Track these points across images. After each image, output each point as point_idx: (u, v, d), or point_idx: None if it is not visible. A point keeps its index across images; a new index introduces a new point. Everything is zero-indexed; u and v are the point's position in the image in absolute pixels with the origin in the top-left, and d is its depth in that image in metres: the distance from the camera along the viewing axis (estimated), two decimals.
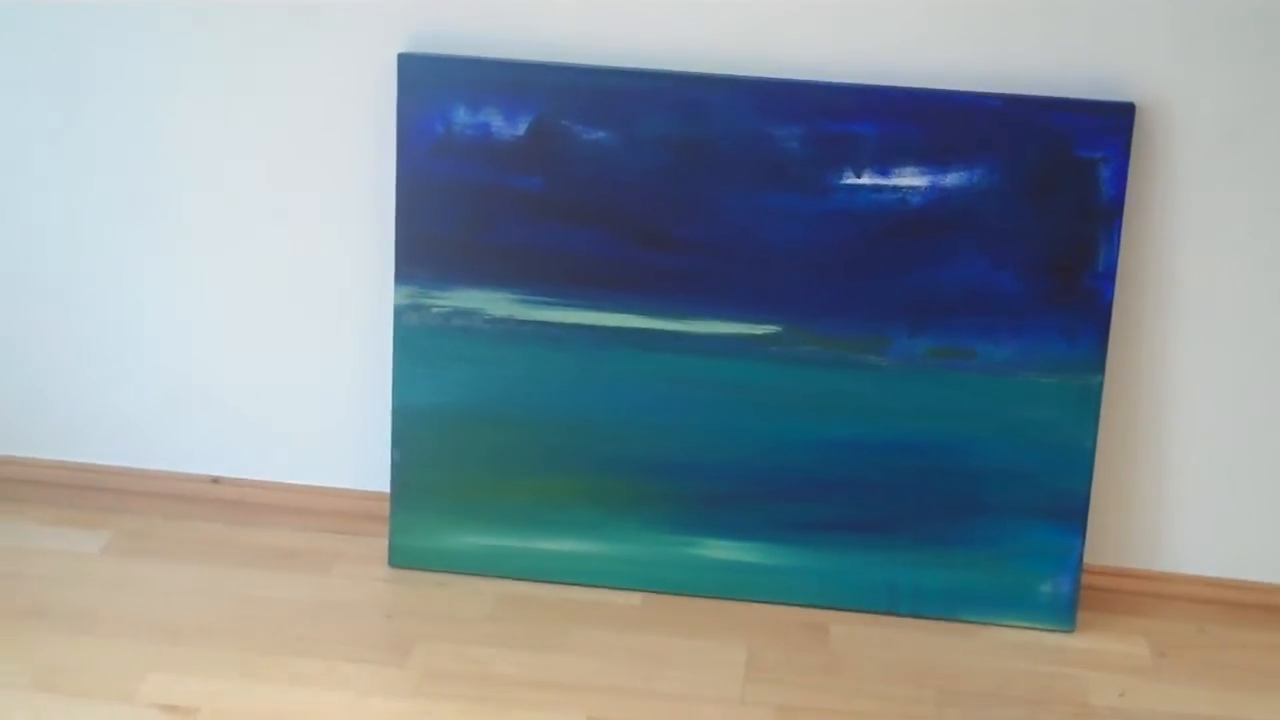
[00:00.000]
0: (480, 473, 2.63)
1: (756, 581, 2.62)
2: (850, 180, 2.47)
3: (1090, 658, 2.53)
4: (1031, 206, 2.46)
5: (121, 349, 2.74)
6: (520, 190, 2.52)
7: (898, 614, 2.60)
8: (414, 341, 2.59)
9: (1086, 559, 2.60)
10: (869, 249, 2.49)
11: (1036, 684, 2.46)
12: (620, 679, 2.42)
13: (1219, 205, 2.46)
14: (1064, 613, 2.58)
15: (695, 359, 2.55)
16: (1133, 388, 2.56)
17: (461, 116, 2.50)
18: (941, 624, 2.59)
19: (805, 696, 2.40)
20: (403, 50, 2.51)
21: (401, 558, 2.68)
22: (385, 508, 2.67)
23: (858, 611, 2.61)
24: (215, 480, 2.80)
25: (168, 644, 2.44)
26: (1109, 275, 2.46)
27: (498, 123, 2.50)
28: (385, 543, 2.68)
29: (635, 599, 2.63)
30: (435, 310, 2.57)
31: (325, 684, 2.37)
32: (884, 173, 2.47)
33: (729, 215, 2.50)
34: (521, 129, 2.50)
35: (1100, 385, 2.50)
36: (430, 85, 2.50)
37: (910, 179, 2.47)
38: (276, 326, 2.71)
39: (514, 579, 2.66)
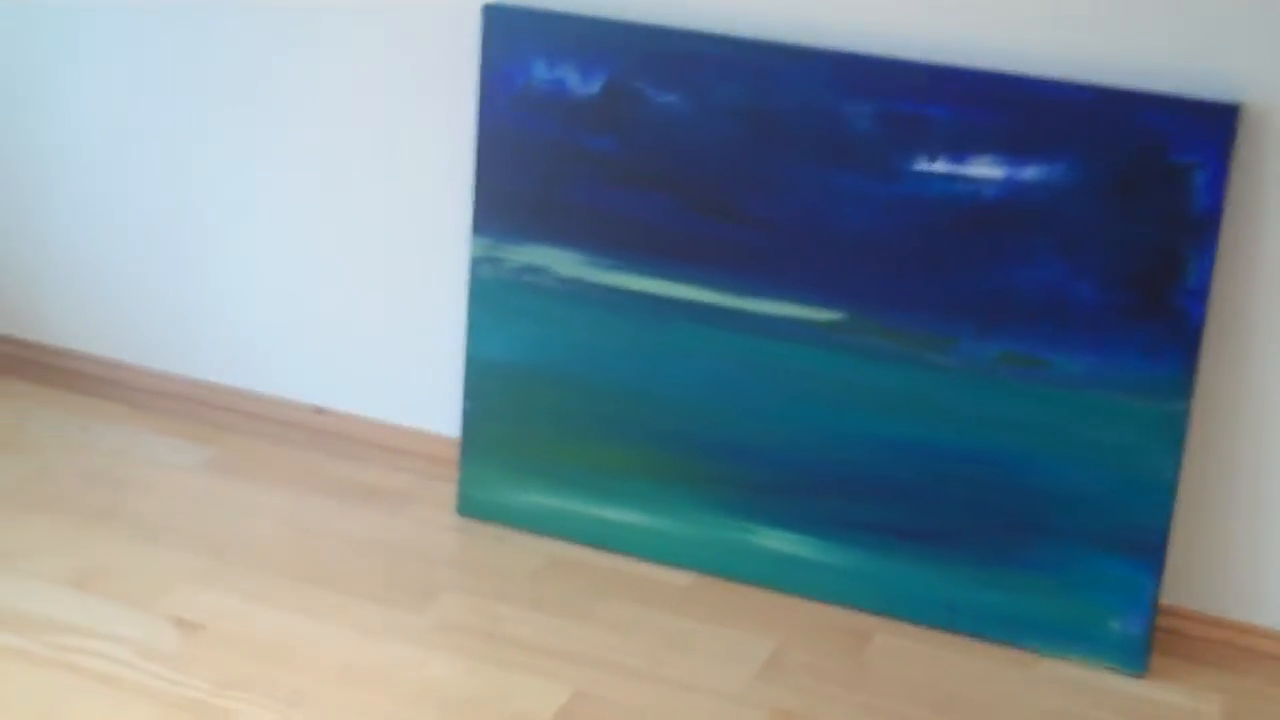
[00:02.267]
0: (544, 431, 2.60)
1: (808, 577, 2.51)
2: (923, 166, 2.31)
3: (1152, 709, 2.31)
4: (1117, 211, 2.24)
5: (244, 272, 2.83)
6: (593, 150, 2.46)
7: (954, 631, 2.44)
8: (488, 294, 2.58)
9: (1162, 599, 2.37)
10: (939, 241, 2.33)
11: None
12: (628, 658, 2.36)
13: None
14: (1134, 654, 2.36)
15: (756, 339, 2.45)
16: (1222, 418, 2.31)
17: (540, 71, 2.46)
18: (998, 648, 2.41)
19: (810, 704, 2.28)
20: (487, 1, 2.49)
21: (469, 507, 2.68)
22: None
23: (910, 622, 2.46)
24: (319, 410, 2.86)
25: (210, 559, 2.52)
26: (1199, 293, 2.22)
27: (573, 79, 2.45)
28: None
29: (685, 578, 2.56)
30: (508, 264, 2.55)
31: (335, 620, 2.40)
32: (958, 160, 2.29)
33: (796, 192, 2.38)
34: (596, 87, 2.44)
35: (1185, 412, 2.27)
36: (511, 37, 2.47)
37: (986, 169, 2.28)
38: (372, 267, 2.74)
39: (571, 541, 2.62)
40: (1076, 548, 2.36)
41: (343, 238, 2.75)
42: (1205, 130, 2.17)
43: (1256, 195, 2.20)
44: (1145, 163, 2.21)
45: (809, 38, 2.35)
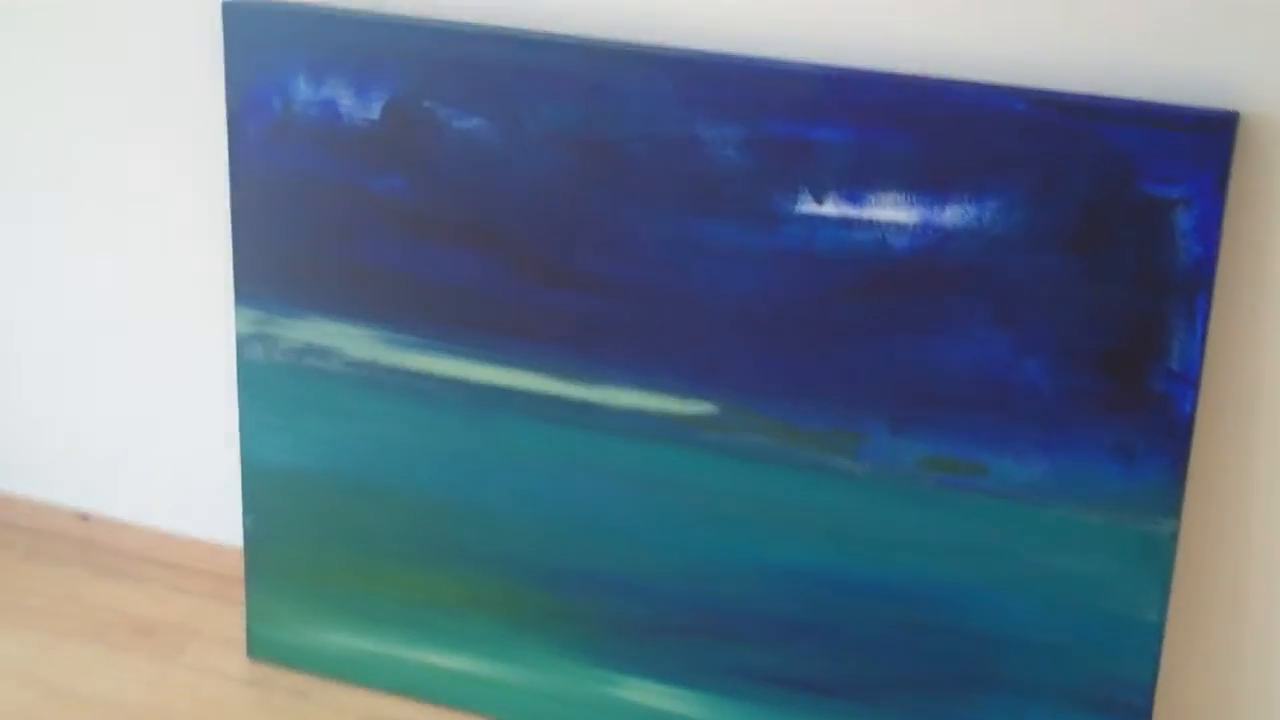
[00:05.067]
0: (345, 555, 2.00)
1: None
2: (808, 208, 1.70)
3: None
4: (1072, 265, 1.63)
5: None
6: (378, 194, 1.85)
7: None
8: (260, 381, 1.97)
9: None
10: (835, 308, 1.72)
11: None
12: None
13: None
14: None
15: (604, 437, 1.84)
16: (1221, 541, 1.71)
17: (303, 90, 1.85)
18: None
19: None
20: None
21: (262, 649, 2.09)
22: None
23: None
24: (84, 517, 2.26)
25: None
26: (1188, 376, 1.61)
27: (346, 100, 1.84)
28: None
29: None
30: (284, 343, 1.94)
31: None
32: (855, 199, 1.68)
33: (647, 246, 1.77)
34: (376, 110, 1.83)
35: (1174, 535, 1.66)
36: (262, 46, 1.85)
37: (893, 211, 1.67)
38: (135, 347, 2.15)
39: (392, 694, 2.03)
40: (1035, 708, 1.76)
41: (101, 311, 2.15)
42: (1191, 150, 1.56)
43: (1263, 238, 1.59)
44: (1110, 198, 1.60)
45: (654, 35, 1.74)
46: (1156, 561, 1.67)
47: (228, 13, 1.86)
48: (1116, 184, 1.59)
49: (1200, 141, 1.56)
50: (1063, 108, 1.59)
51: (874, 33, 1.65)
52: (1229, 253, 1.60)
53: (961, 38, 1.62)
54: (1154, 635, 1.70)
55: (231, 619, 2.15)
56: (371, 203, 1.86)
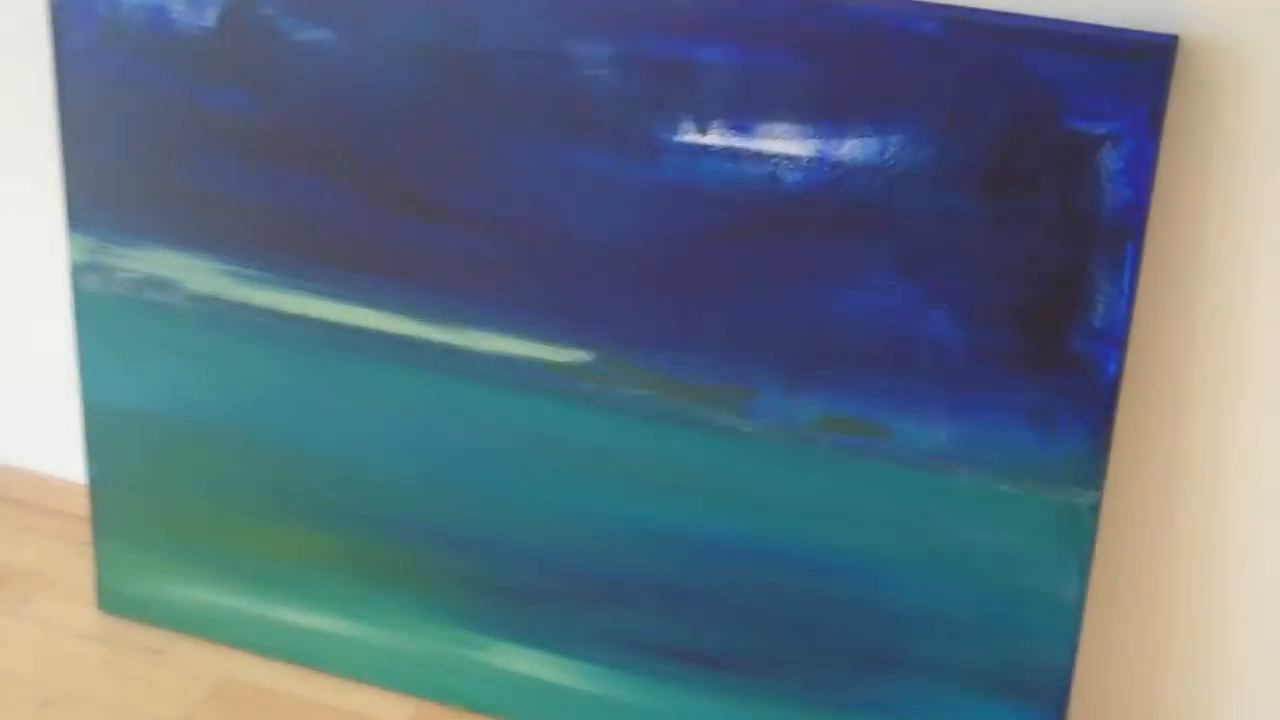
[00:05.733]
0: (200, 506, 1.82)
1: (565, 710, 1.75)
2: (690, 137, 1.50)
3: None
4: (985, 208, 1.43)
5: None
6: (218, 111, 1.65)
7: None
8: (98, 315, 1.78)
9: None
10: (721, 249, 1.52)
11: None
12: None
13: None
14: None
15: (476, 386, 1.66)
16: (1146, 516, 1.53)
17: None
18: None
19: None
20: None
21: (113, 603, 1.92)
22: None
23: None
24: None
25: None
26: (1113, 335, 1.43)
27: (178, 4, 1.62)
28: None
29: (404, 708, 1.80)
30: (122, 274, 1.75)
31: None
32: (742, 129, 1.48)
33: (513, 175, 1.57)
34: (210, 16, 1.61)
35: (1094, 507, 1.49)
36: None
37: (784, 143, 1.47)
38: None
39: (250, 652, 1.86)
40: (942, 690, 1.60)
41: None
42: (1122, 80, 1.36)
43: (1201, 182, 1.39)
44: (1029, 133, 1.40)
45: None
46: (1075, 536, 1.50)
47: None
48: (1037, 117, 1.39)
49: (1132, 70, 1.35)
50: (976, 29, 1.38)
51: None
52: (1162, 197, 1.40)
53: None
54: (1071, 615, 1.52)
55: (84, 564, 1.97)
56: (211, 120, 1.65)
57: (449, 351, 1.65)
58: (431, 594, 1.76)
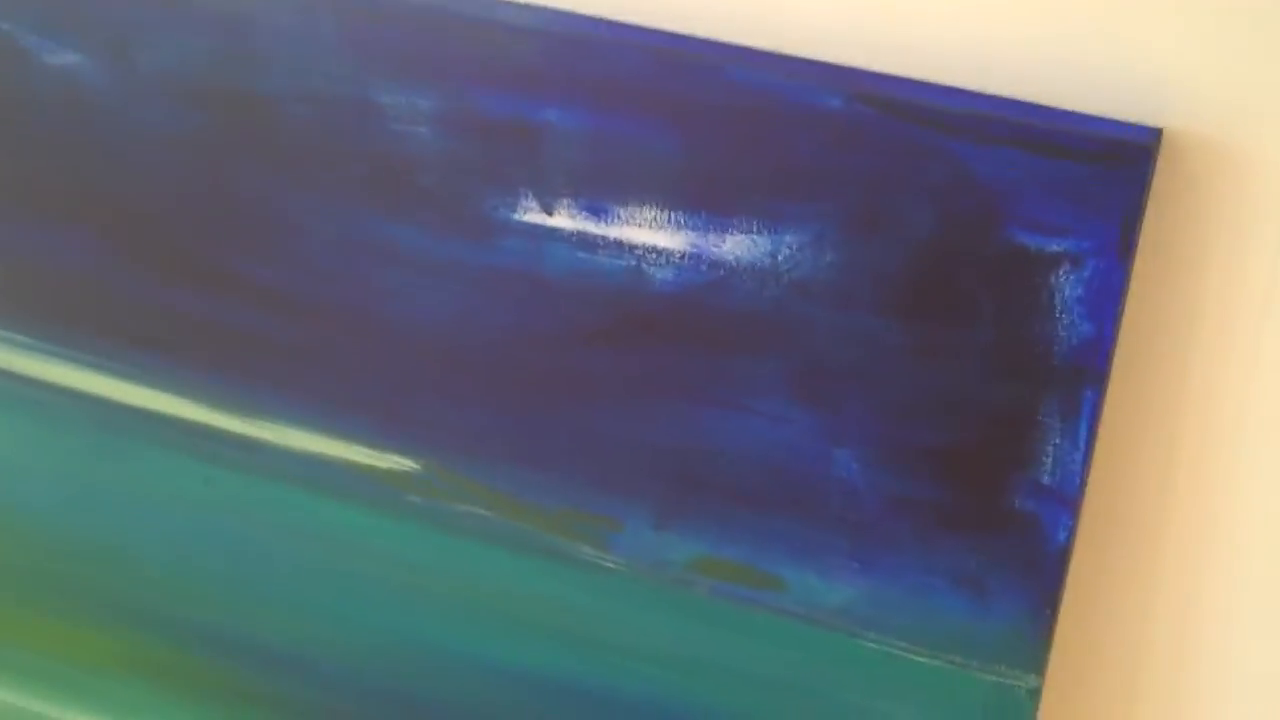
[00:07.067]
0: None
1: None
2: (532, 216, 1.16)
3: None
4: (905, 330, 1.11)
5: None
6: None
7: None
8: None
9: None
10: (574, 352, 1.20)
11: None
12: None
13: None
14: None
15: (277, 486, 1.34)
16: (1099, 707, 1.23)
17: None
18: None
19: None
20: None
21: None
22: None
23: None
24: None
25: None
26: (1064, 495, 1.11)
27: None
28: None
29: None
30: None
31: None
32: (597, 211, 1.15)
33: (316, 246, 1.24)
34: None
35: (1034, 692, 1.18)
36: None
37: (650, 232, 1.14)
38: None
39: None
40: None
41: None
42: (1087, 186, 1.03)
43: (1182, 314, 1.07)
44: (962, 246, 1.07)
45: None
46: None
47: None
48: (972, 227, 1.06)
49: (1100, 173, 1.02)
50: (894, 110, 1.05)
51: None
52: (1133, 331, 1.08)
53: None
54: None
55: None
56: None
57: (248, 445, 1.33)
58: (222, 709, 1.46)
